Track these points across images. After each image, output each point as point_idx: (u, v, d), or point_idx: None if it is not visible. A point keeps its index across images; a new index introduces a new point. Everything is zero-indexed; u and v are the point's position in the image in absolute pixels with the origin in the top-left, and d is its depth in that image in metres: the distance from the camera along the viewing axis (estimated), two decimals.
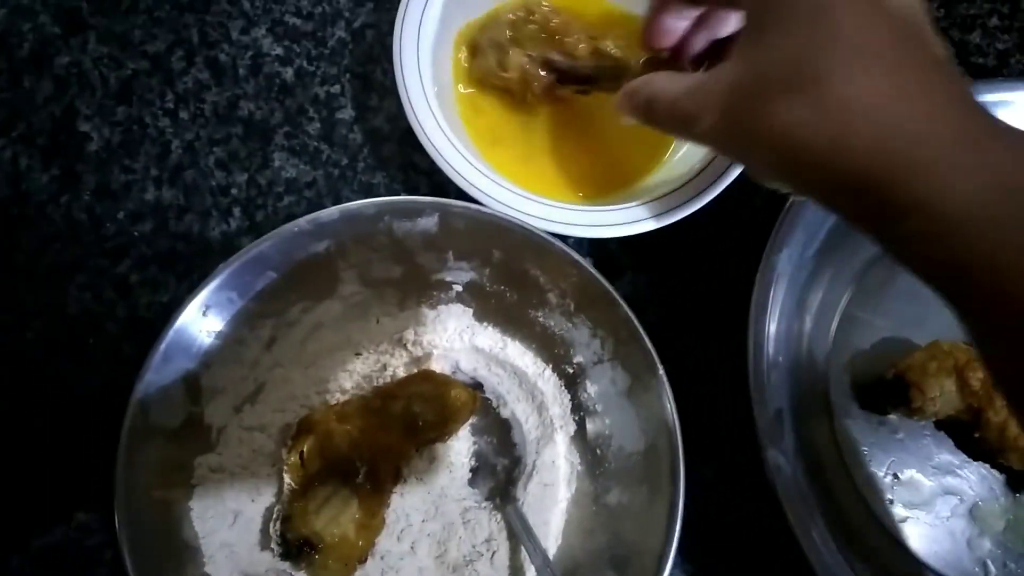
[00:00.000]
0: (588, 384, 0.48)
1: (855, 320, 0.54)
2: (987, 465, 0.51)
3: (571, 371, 0.49)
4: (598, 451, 0.48)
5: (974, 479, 0.52)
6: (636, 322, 0.43)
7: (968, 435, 0.50)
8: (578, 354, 0.48)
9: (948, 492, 0.51)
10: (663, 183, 0.50)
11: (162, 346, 0.40)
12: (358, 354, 0.48)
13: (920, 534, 0.50)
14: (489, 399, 0.49)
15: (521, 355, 0.49)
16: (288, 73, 0.55)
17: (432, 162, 0.49)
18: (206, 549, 0.41)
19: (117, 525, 0.38)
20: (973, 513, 0.51)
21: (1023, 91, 0.54)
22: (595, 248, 0.55)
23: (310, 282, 0.45)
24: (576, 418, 0.49)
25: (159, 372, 0.40)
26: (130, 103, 0.53)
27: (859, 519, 0.50)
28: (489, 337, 0.50)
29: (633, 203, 0.49)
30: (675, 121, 0.36)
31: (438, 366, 0.48)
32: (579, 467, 0.48)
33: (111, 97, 0.53)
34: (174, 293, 0.50)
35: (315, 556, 0.42)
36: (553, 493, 0.47)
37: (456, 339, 0.49)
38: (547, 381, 0.49)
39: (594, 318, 0.46)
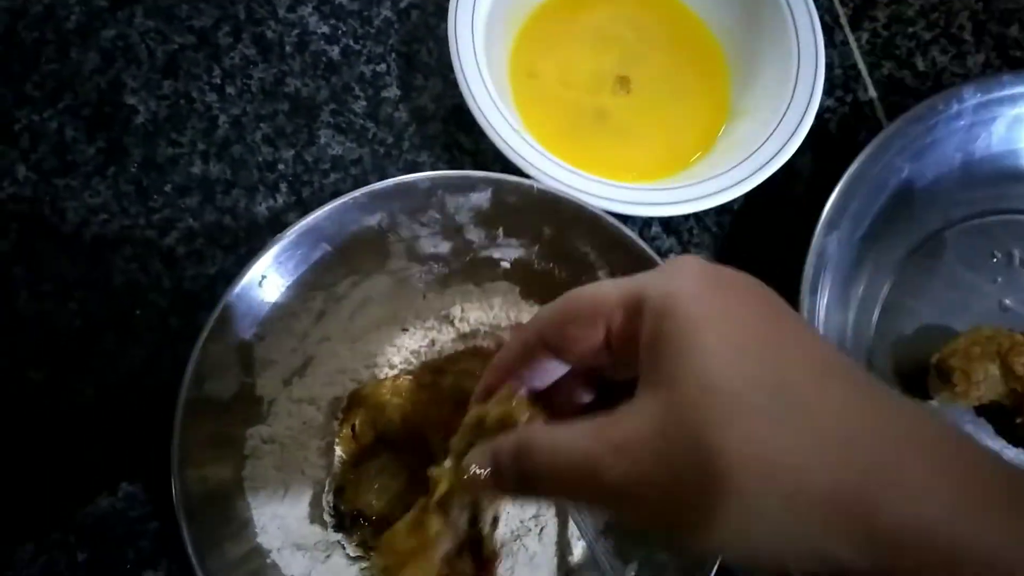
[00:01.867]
0: None
1: (897, 307, 0.53)
2: None
3: None
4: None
5: (1017, 462, 0.51)
6: None
7: (1010, 421, 0.50)
8: None
9: None
10: (712, 166, 0.50)
11: (219, 313, 0.39)
12: (405, 329, 0.46)
13: None
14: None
15: None
16: (334, 51, 0.54)
17: (477, 142, 0.49)
18: (258, 520, 0.41)
19: (175, 496, 0.37)
20: None
21: None
22: (642, 229, 0.54)
23: (361, 256, 0.44)
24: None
25: (216, 341, 0.39)
26: (176, 77, 0.52)
27: None
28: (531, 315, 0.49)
29: (682, 184, 0.49)
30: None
31: (484, 344, 0.47)
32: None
33: (157, 71, 0.52)
34: (221, 266, 0.49)
35: (368, 527, 0.40)
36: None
37: (502, 317, 0.47)
38: None
39: None
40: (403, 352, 0.46)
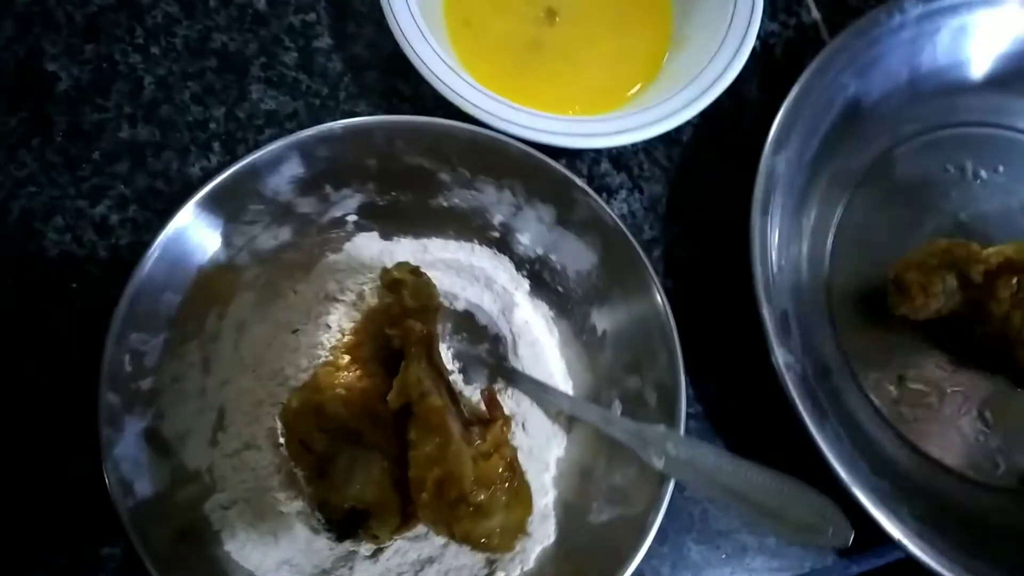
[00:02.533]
0: (519, 236, 0.46)
1: (852, 229, 0.52)
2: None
3: (498, 234, 0.47)
4: (560, 288, 0.47)
5: (980, 377, 0.51)
6: (534, 152, 0.41)
7: (969, 332, 0.50)
8: (495, 214, 0.46)
9: (955, 391, 0.51)
10: (656, 95, 0.49)
11: (105, 423, 0.37)
12: (295, 331, 0.44)
13: (930, 435, 0.49)
14: (441, 301, 0.45)
15: (444, 247, 0.47)
16: (260, 2, 0.51)
17: (416, 88, 0.47)
18: None
19: None
20: (980, 411, 0.50)
21: None
22: (591, 167, 0.53)
23: (211, 285, 0.41)
24: (525, 273, 0.47)
25: (118, 446, 0.37)
26: (98, 40, 0.49)
27: (868, 423, 0.48)
28: (406, 248, 0.47)
29: (624, 113, 0.48)
30: None
31: (374, 299, 0.45)
32: (551, 312, 0.47)
33: (77, 35, 0.49)
34: (156, 232, 0.47)
35: (369, 522, 0.39)
36: (541, 347, 0.46)
37: (377, 266, 0.46)
38: (481, 256, 0.47)
39: (492, 171, 0.43)
40: (306, 351, 0.44)
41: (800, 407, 0.42)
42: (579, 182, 0.42)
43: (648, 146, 0.53)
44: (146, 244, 0.39)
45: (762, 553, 0.48)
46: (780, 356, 0.43)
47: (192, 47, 0.51)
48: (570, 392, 0.46)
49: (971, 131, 0.56)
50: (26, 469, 0.43)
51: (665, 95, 0.47)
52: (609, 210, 0.42)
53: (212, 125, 0.49)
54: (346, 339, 0.44)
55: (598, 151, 0.52)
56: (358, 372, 0.42)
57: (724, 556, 0.47)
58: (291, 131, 0.48)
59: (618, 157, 0.52)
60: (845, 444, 0.44)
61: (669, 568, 0.46)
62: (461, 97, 0.44)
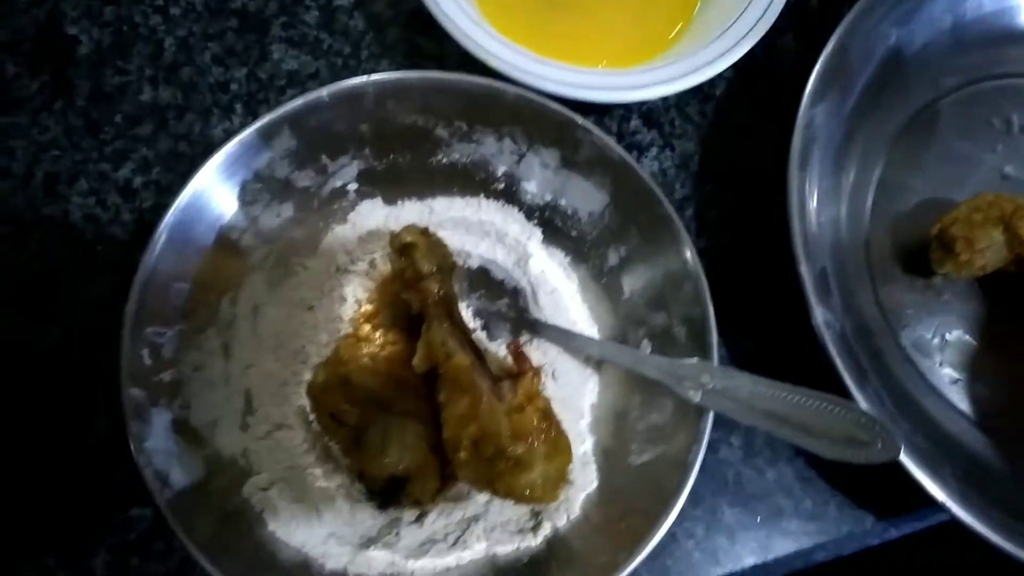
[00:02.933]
0: (525, 184, 0.45)
1: (893, 184, 0.50)
2: None
3: (503, 185, 0.45)
4: (573, 232, 0.46)
5: None
6: (531, 96, 0.40)
7: (1017, 289, 0.48)
8: (499, 165, 0.44)
9: (999, 352, 0.49)
10: (687, 48, 0.47)
11: (133, 422, 0.36)
12: (311, 308, 0.43)
13: (973, 395, 0.47)
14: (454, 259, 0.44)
15: (450, 206, 0.46)
16: None
17: (440, 45, 0.46)
18: (313, 554, 0.38)
19: None
20: None
21: None
22: (620, 124, 0.51)
23: (220, 271, 0.41)
24: (535, 221, 0.46)
25: (148, 439, 0.36)
26: (117, 2, 0.48)
27: (909, 383, 0.47)
28: (411, 211, 0.46)
29: (653, 66, 0.46)
30: None
31: (386, 267, 0.44)
32: (567, 259, 0.46)
33: None
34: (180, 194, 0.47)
35: (410, 488, 0.38)
36: (561, 295, 0.45)
37: (385, 232, 0.44)
38: (489, 209, 0.46)
39: (490, 121, 0.42)
40: (324, 326, 0.43)
41: (840, 367, 0.40)
42: (580, 120, 0.41)
43: (679, 102, 0.51)
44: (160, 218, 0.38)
45: (798, 516, 0.47)
46: (819, 314, 0.41)
47: (212, 7, 0.49)
48: (596, 336, 0.46)
49: (1018, 82, 0.53)
50: (52, 432, 0.43)
51: (696, 47, 0.46)
52: (615, 145, 0.41)
53: (234, 86, 0.48)
54: (363, 309, 0.43)
55: (627, 108, 0.51)
56: (380, 341, 0.41)
57: (759, 519, 0.46)
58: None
59: (648, 114, 0.51)
60: (886, 404, 0.42)
61: (703, 530, 0.45)
62: (485, 51, 0.42)
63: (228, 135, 0.46)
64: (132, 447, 0.35)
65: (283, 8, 0.50)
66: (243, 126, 0.46)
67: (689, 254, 0.40)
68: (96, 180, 0.46)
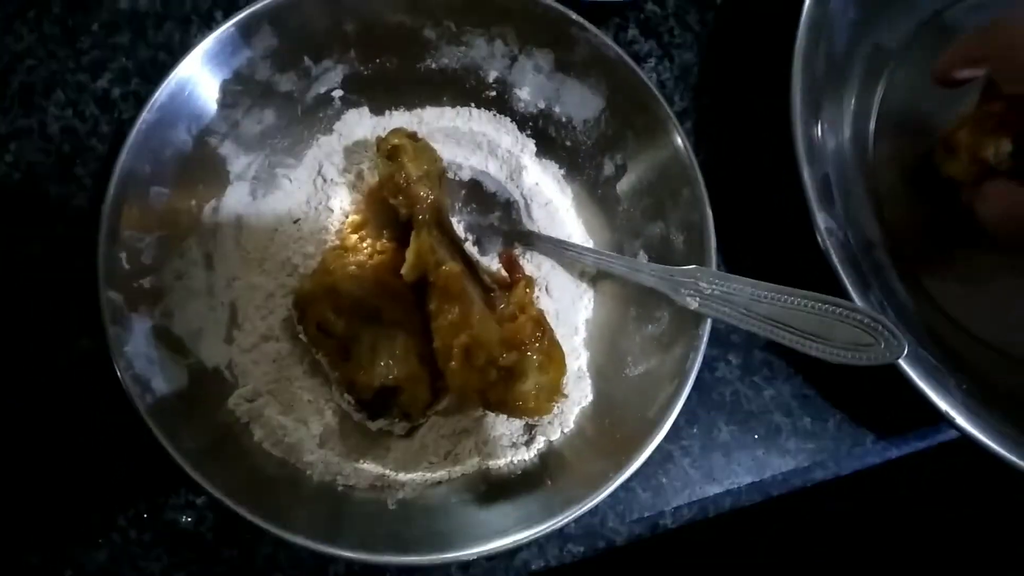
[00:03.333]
0: (517, 91, 0.43)
1: (898, 94, 0.48)
2: None
3: (495, 93, 0.44)
4: (568, 142, 0.44)
5: None
6: None
7: None
8: (490, 70, 0.43)
9: (1003, 267, 0.47)
10: None
11: (111, 330, 0.34)
12: (296, 221, 0.42)
13: (977, 312, 0.46)
14: (444, 166, 0.43)
15: (440, 116, 0.44)
16: None
17: None
18: (300, 465, 0.38)
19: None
20: None
21: None
22: (616, 33, 0.49)
23: (199, 178, 0.39)
24: (528, 132, 0.45)
25: (131, 345, 0.34)
26: None
27: (913, 297, 0.45)
28: (400, 121, 0.44)
29: None
30: None
31: (373, 178, 0.43)
32: (561, 170, 0.45)
33: None
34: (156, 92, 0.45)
35: (401, 398, 0.37)
36: (555, 207, 0.44)
37: (371, 139, 0.43)
38: (480, 120, 0.45)
39: (480, 20, 0.40)
40: (312, 238, 0.42)
41: (842, 273, 0.39)
42: (575, 16, 0.39)
43: (679, 10, 0.49)
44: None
45: (796, 435, 0.46)
46: (822, 221, 0.40)
47: None
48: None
49: None
50: (34, 352, 0.42)
51: None
52: (611, 43, 0.39)
53: None
54: (351, 219, 0.42)
55: (624, 16, 0.49)
56: (368, 250, 0.40)
57: (756, 437, 0.45)
58: None
59: (646, 23, 0.49)
60: (889, 314, 0.41)
61: (699, 448, 0.45)
62: None
63: None
64: (111, 352, 0.34)
65: None
66: None
67: (688, 157, 0.38)
68: (73, 91, 0.44)
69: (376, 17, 0.40)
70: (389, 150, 0.39)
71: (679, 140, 0.39)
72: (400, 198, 0.39)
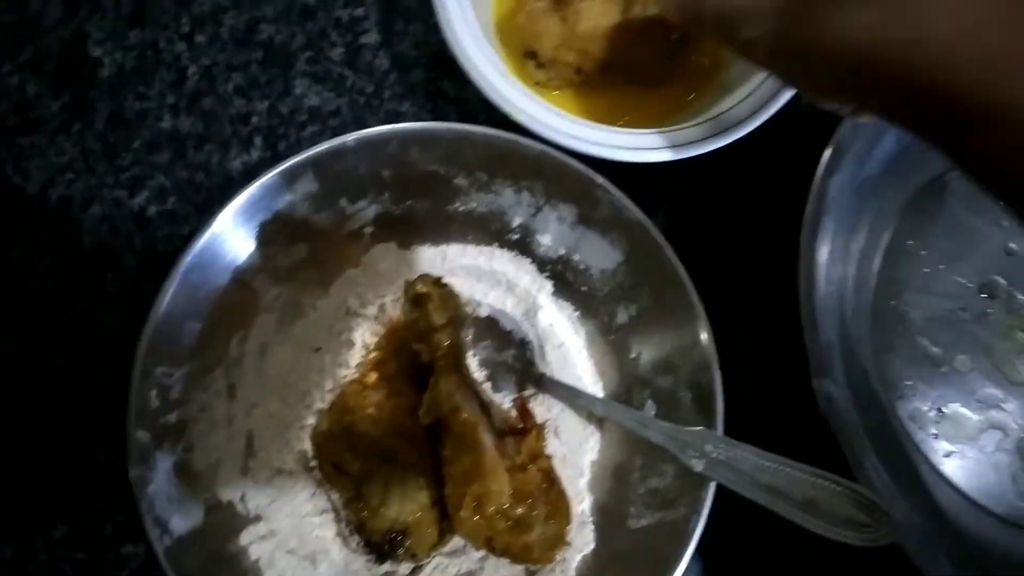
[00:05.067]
0: (539, 237, 0.44)
1: (901, 253, 0.50)
2: None
3: (517, 237, 0.45)
4: (584, 288, 0.45)
5: (1018, 413, 0.48)
6: (553, 152, 0.39)
7: None
8: (515, 216, 0.44)
9: (993, 426, 0.48)
10: (708, 109, 0.47)
11: (135, 460, 0.35)
12: (318, 350, 0.43)
13: (964, 469, 0.47)
14: (466, 312, 0.44)
15: (463, 253, 0.45)
16: None
17: (461, 88, 0.45)
18: None
19: None
20: (1019, 447, 0.48)
21: None
22: (638, 176, 0.51)
23: (231, 310, 0.40)
24: (547, 274, 0.46)
25: (151, 485, 0.35)
26: (143, 26, 0.48)
27: (906, 454, 0.47)
28: (425, 256, 0.45)
29: (675, 127, 0.46)
30: (723, 24, 0.33)
31: (396, 312, 0.44)
32: (576, 313, 0.46)
33: (123, 20, 0.48)
34: (194, 225, 0.46)
35: (409, 543, 0.38)
36: (568, 349, 0.45)
37: (395, 278, 0.44)
38: (501, 259, 0.46)
39: (510, 174, 0.42)
40: (331, 370, 0.43)
41: (841, 442, 0.40)
42: (600, 180, 0.40)
43: (697, 160, 0.51)
44: (178, 249, 0.37)
45: None
46: (822, 388, 0.41)
47: (238, 37, 0.49)
48: (600, 393, 0.45)
49: None
50: (51, 462, 0.42)
51: (717, 110, 0.45)
52: (633, 205, 0.40)
53: (255, 119, 0.48)
54: (371, 355, 0.43)
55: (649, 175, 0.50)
56: (386, 389, 0.41)
57: None
58: (334, 128, 0.48)
59: (666, 168, 0.50)
60: (884, 480, 0.42)
61: None
62: (511, 104, 0.42)
63: (246, 168, 0.46)
64: (135, 491, 0.34)
65: (309, 43, 0.49)
66: (261, 160, 0.46)
67: (701, 321, 0.40)
68: (110, 206, 0.46)
69: (413, 166, 0.41)
70: (415, 296, 0.40)
71: (695, 303, 0.40)
72: (422, 344, 0.40)
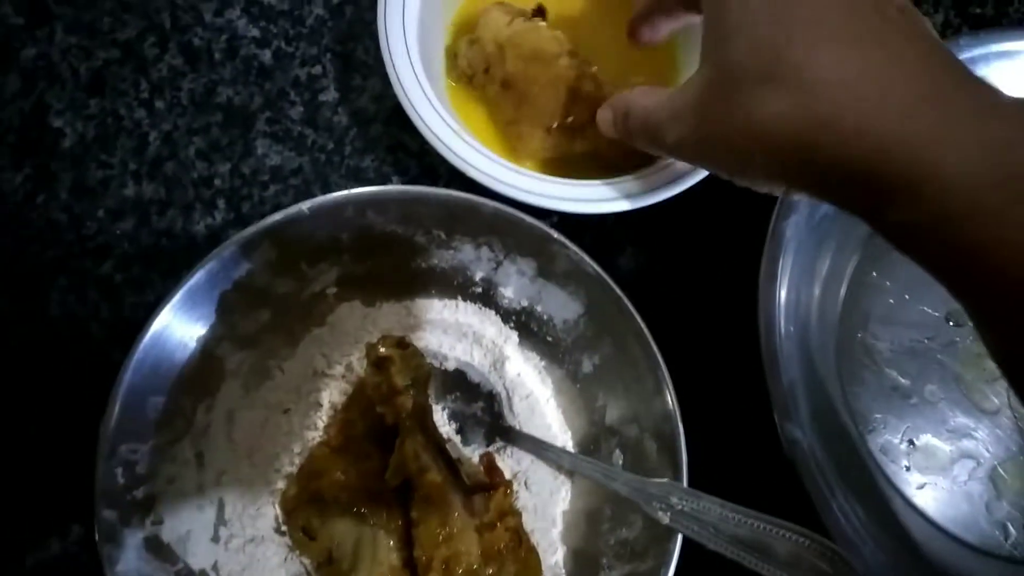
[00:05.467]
0: (502, 290, 0.45)
1: (865, 284, 0.51)
2: (1004, 425, 0.49)
3: (480, 290, 0.45)
4: (549, 338, 0.45)
5: (990, 440, 0.48)
6: (507, 209, 0.40)
7: None
8: (477, 271, 0.44)
9: (965, 456, 0.49)
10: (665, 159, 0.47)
11: (105, 547, 0.35)
12: (286, 411, 0.43)
13: (938, 499, 0.47)
14: (431, 362, 0.44)
15: (428, 308, 0.46)
16: (266, 55, 0.50)
17: (422, 142, 0.46)
18: None
19: None
20: (991, 476, 0.49)
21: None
22: (594, 224, 0.52)
23: (195, 382, 0.39)
24: (512, 325, 0.46)
25: (123, 564, 0.35)
26: (103, 95, 0.48)
27: (877, 487, 0.47)
28: (389, 312, 0.45)
29: (632, 176, 0.46)
30: (648, 134, 0.36)
31: (362, 370, 0.44)
32: (542, 362, 0.46)
33: (82, 89, 0.48)
34: (159, 292, 0.46)
35: None
36: (536, 399, 0.45)
37: (363, 336, 0.45)
38: (466, 312, 0.46)
39: (468, 232, 0.42)
40: (299, 433, 0.43)
41: (808, 486, 0.40)
42: (556, 235, 0.40)
43: (654, 205, 0.51)
44: (144, 318, 0.37)
45: None
46: (787, 431, 0.41)
47: (197, 101, 0.49)
48: (569, 442, 0.45)
49: None
50: (23, 533, 0.42)
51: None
52: (590, 260, 0.40)
53: (217, 181, 0.48)
54: (338, 417, 0.43)
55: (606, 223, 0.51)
56: (353, 452, 0.41)
57: None
58: (296, 187, 0.48)
59: (623, 215, 0.51)
60: (851, 520, 0.42)
61: None
62: (463, 161, 0.42)
63: (210, 231, 0.46)
64: (105, 570, 0.35)
65: (268, 103, 0.50)
66: (225, 221, 0.46)
67: (661, 372, 0.40)
68: (76, 276, 0.46)
69: (371, 227, 0.41)
70: (377, 360, 0.40)
71: (653, 353, 0.40)
72: (386, 407, 0.40)
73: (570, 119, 0.45)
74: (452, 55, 0.48)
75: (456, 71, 0.48)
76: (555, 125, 0.45)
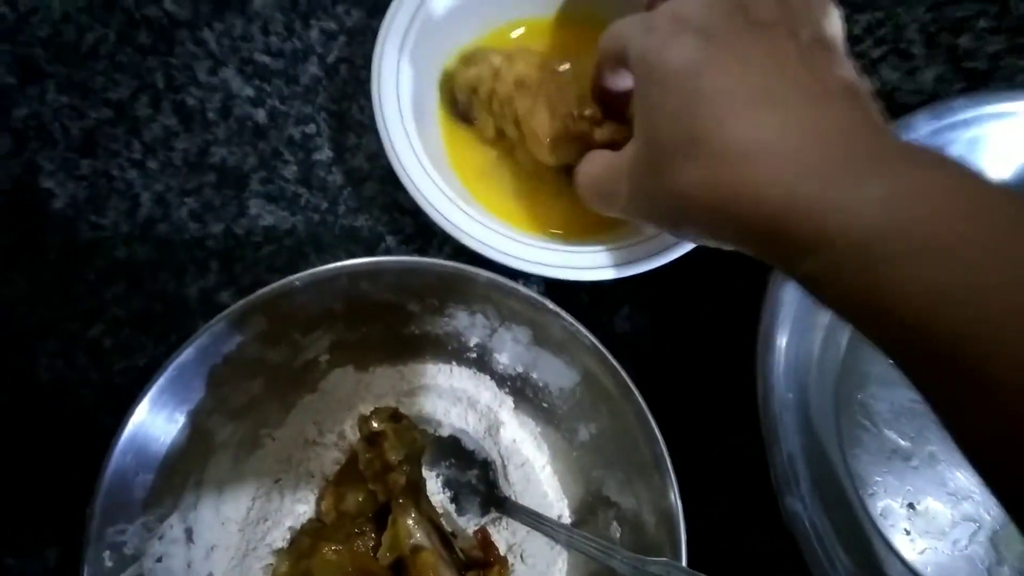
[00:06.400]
0: (497, 356, 0.45)
1: (862, 345, 0.51)
2: None
3: (475, 355, 0.45)
4: (544, 404, 0.45)
5: (991, 503, 0.49)
6: (502, 280, 0.39)
7: None
8: (472, 337, 0.44)
9: (966, 519, 0.48)
10: None
11: None
12: (277, 481, 0.42)
13: (939, 564, 0.46)
14: (424, 429, 0.44)
15: (422, 373, 0.45)
16: (260, 115, 0.49)
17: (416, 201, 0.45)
18: None
19: None
20: (992, 540, 0.48)
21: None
22: (595, 284, 0.51)
23: (186, 462, 0.39)
24: (507, 390, 0.46)
25: None
26: (95, 155, 0.47)
27: (879, 553, 0.46)
28: (383, 377, 0.45)
29: (631, 241, 0.45)
30: (599, 199, 0.38)
31: (355, 438, 0.43)
32: (538, 428, 0.46)
33: (74, 150, 0.47)
34: (150, 357, 0.45)
35: None
36: (532, 467, 0.45)
37: (356, 401, 0.44)
38: (461, 376, 0.46)
39: (461, 300, 0.42)
40: (290, 507, 0.42)
41: (808, 561, 0.40)
42: (551, 305, 0.40)
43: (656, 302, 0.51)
44: (134, 382, 0.37)
45: None
46: (787, 505, 0.40)
47: (191, 161, 0.49)
48: (565, 510, 0.45)
49: None
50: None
51: None
52: (586, 331, 0.40)
53: (210, 242, 0.47)
54: (329, 489, 0.42)
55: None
56: (345, 528, 0.40)
57: None
58: (289, 247, 0.47)
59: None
60: None
61: None
62: (457, 228, 0.42)
63: (202, 293, 0.46)
64: None
65: (262, 163, 0.49)
66: (218, 283, 0.46)
67: (659, 446, 0.39)
68: (65, 339, 0.45)
69: (364, 297, 0.41)
70: (370, 435, 0.39)
71: (651, 426, 0.39)
72: (378, 484, 0.39)
73: (588, 112, 0.43)
74: (448, 86, 0.47)
75: (451, 97, 0.47)
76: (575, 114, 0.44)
